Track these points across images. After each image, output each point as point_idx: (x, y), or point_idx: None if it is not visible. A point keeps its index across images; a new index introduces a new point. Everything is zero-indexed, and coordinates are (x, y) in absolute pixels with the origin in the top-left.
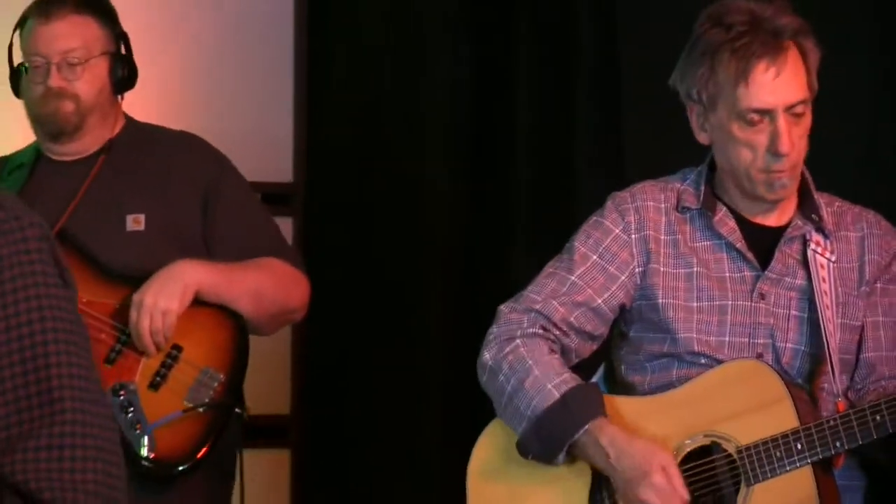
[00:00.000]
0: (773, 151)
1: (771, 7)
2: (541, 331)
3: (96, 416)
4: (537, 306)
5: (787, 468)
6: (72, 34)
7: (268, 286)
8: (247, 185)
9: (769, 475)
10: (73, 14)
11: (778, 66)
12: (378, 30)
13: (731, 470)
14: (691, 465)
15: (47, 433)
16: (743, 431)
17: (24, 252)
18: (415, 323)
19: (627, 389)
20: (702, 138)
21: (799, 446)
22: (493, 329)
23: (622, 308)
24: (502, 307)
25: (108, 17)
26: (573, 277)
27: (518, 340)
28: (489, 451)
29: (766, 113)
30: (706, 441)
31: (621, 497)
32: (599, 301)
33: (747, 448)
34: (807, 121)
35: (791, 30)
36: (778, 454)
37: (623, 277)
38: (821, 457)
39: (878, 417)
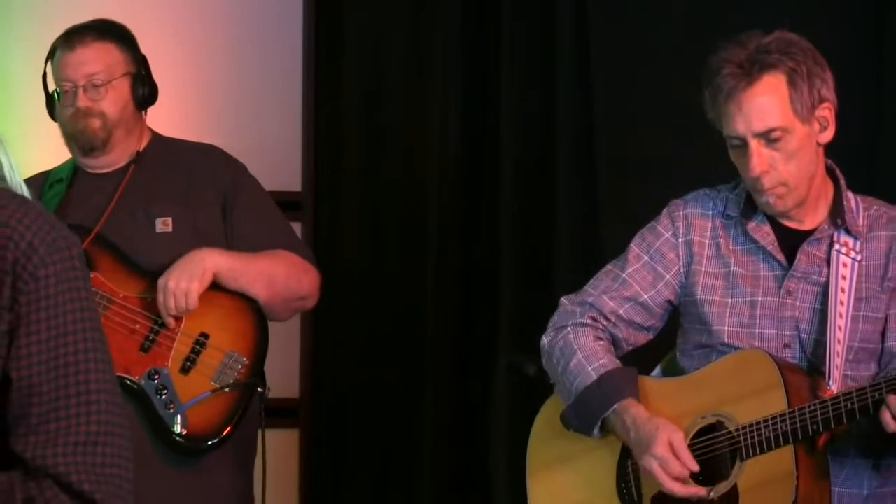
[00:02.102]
0: (747, 175)
1: (773, 39)
2: (590, 321)
3: (119, 416)
4: (590, 300)
5: (773, 446)
6: (95, 59)
7: (280, 273)
8: (261, 188)
9: (759, 452)
10: (95, 41)
11: (741, 99)
12: (384, 44)
13: (731, 445)
14: (701, 439)
15: (85, 430)
16: (742, 412)
17: (71, 269)
18: (415, 315)
19: (680, 374)
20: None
21: (784, 428)
22: (554, 318)
23: (670, 303)
24: (563, 299)
25: (127, 43)
26: (624, 275)
27: (569, 328)
28: (548, 419)
29: (740, 139)
30: (713, 420)
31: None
32: (646, 296)
33: (744, 427)
34: (790, 145)
35: (768, 64)
36: (766, 434)
37: (668, 276)
38: (801, 437)
39: (848, 405)
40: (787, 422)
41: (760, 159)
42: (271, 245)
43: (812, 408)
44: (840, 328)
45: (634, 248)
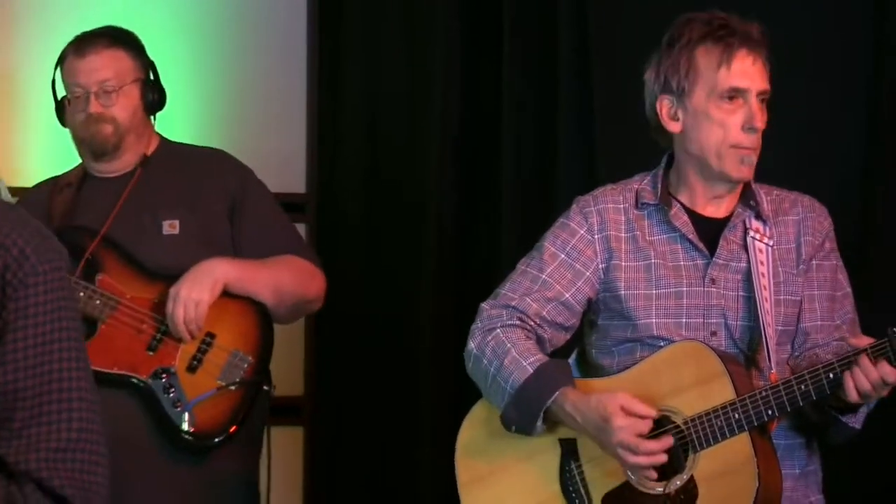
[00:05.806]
0: (749, 126)
1: (739, 19)
2: (518, 322)
3: (96, 423)
4: (513, 303)
5: (728, 435)
6: (106, 66)
7: (287, 280)
8: (268, 192)
9: (712, 442)
10: (106, 48)
11: (755, 56)
12: (386, 47)
13: (679, 439)
14: (647, 436)
15: (66, 437)
16: (688, 405)
17: (60, 279)
18: (416, 314)
19: (597, 371)
20: (672, 127)
21: (736, 416)
22: (477, 323)
23: (589, 300)
24: (483, 304)
25: (137, 49)
26: (544, 276)
27: (498, 330)
28: (474, 429)
29: (743, 93)
30: (657, 415)
31: (604, 451)
32: (567, 296)
33: (692, 419)
34: (767, 114)
35: (759, 36)
36: (719, 423)
37: (588, 273)
38: (756, 424)
39: (802, 387)
40: (739, 409)
41: (763, 114)
42: (277, 249)
43: (764, 394)
44: (768, 312)
45: (549, 246)
